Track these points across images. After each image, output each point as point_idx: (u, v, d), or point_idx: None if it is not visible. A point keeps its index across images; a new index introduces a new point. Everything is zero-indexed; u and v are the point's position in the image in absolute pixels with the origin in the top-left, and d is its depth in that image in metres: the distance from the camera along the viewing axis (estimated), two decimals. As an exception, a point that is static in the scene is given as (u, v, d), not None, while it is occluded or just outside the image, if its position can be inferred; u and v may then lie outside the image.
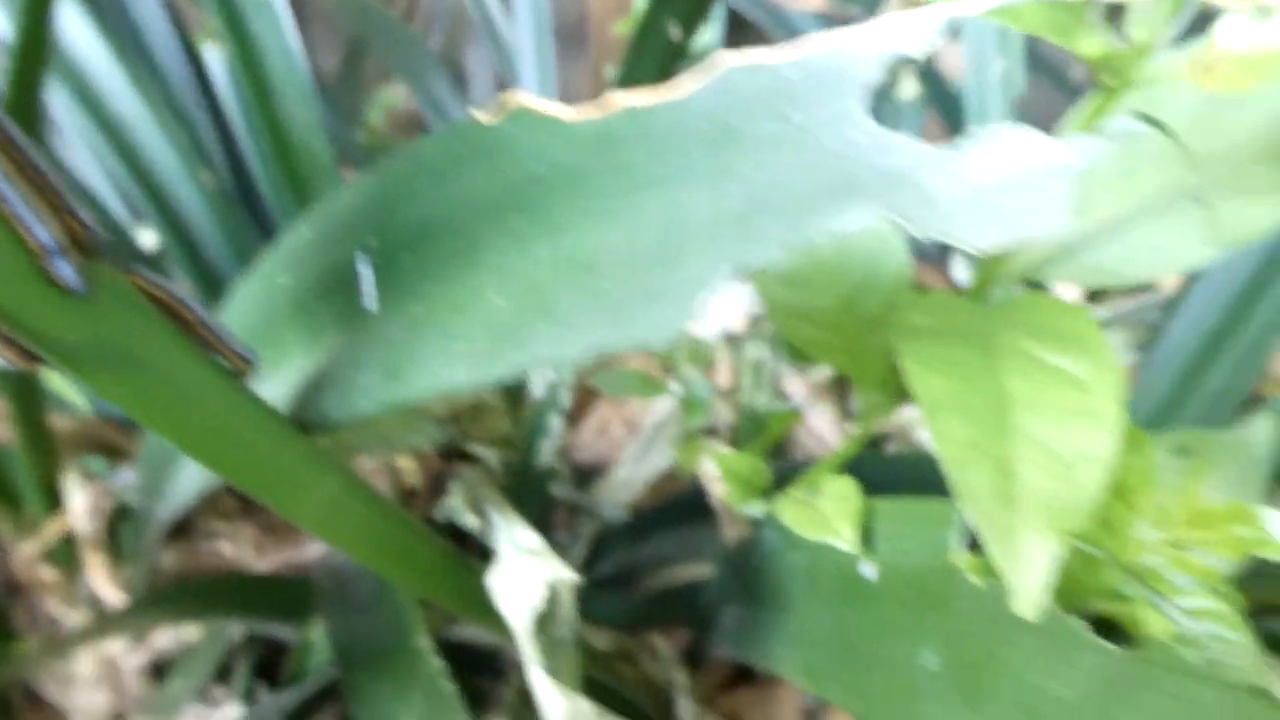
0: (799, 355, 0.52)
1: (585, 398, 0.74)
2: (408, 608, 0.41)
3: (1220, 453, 0.31)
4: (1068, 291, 0.78)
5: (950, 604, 0.28)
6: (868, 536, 0.32)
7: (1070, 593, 0.30)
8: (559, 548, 0.63)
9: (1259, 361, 0.47)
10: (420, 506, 0.52)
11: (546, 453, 0.55)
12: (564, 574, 0.33)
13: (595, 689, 0.46)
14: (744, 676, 0.55)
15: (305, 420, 0.33)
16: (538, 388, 0.54)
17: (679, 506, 0.58)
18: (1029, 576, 0.21)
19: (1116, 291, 0.77)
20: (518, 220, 0.26)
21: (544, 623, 0.33)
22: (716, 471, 0.37)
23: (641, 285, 0.22)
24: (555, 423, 0.54)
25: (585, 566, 0.62)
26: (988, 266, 0.28)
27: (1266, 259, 0.47)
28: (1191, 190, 0.27)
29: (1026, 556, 0.21)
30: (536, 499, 0.57)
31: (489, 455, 0.45)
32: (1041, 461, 0.22)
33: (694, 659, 0.58)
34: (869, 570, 0.31)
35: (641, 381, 0.39)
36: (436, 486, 0.56)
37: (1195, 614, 0.27)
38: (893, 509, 0.31)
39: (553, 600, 0.33)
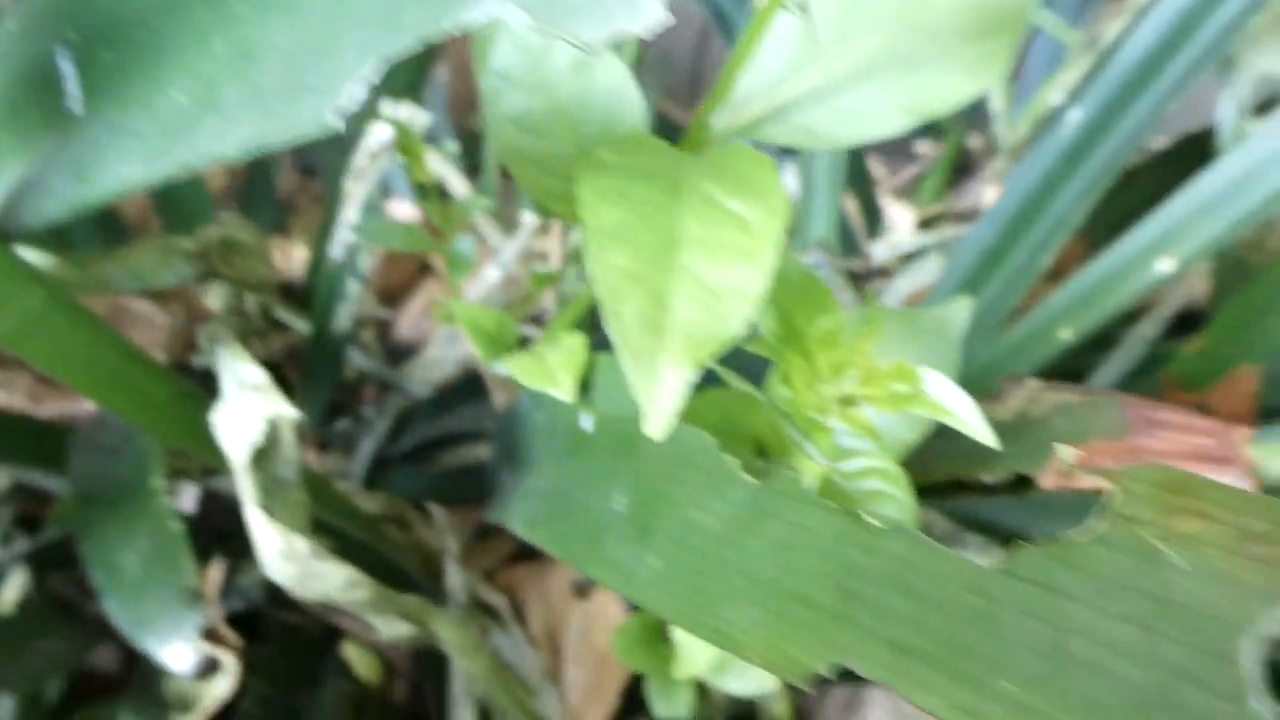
0: (540, 210, 0.52)
1: (412, 277, 0.72)
2: (150, 450, 0.40)
3: (917, 330, 0.32)
4: (901, 218, 0.81)
5: (640, 449, 0.29)
6: (589, 390, 0.32)
7: (767, 445, 0.31)
8: (365, 422, 0.63)
9: (1026, 280, 0.50)
10: (181, 352, 0.51)
11: (344, 317, 0.54)
12: (285, 410, 0.32)
13: (358, 550, 0.46)
14: (528, 554, 0.56)
15: (7, 228, 0.31)
16: (336, 250, 0.53)
17: (480, 384, 0.58)
18: (662, 401, 0.22)
19: (945, 220, 0.80)
20: (201, 11, 0.24)
21: (264, 460, 0.33)
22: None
23: (297, 78, 0.22)
24: (353, 287, 0.53)
25: (389, 440, 0.62)
26: (699, 122, 0.28)
27: (1045, 180, 0.49)
28: (900, 59, 0.27)
29: (662, 381, 0.22)
30: (334, 366, 0.56)
31: (250, 300, 0.43)
32: (695, 294, 0.23)
33: (486, 534, 0.59)
34: (586, 422, 0.32)
35: (405, 234, 0.39)
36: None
37: (862, 473, 0.29)
38: (612, 362, 0.31)
39: (274, 437, 0.33)
